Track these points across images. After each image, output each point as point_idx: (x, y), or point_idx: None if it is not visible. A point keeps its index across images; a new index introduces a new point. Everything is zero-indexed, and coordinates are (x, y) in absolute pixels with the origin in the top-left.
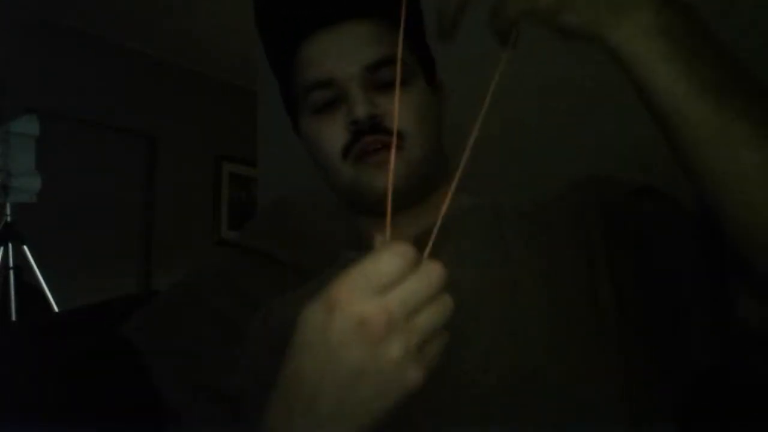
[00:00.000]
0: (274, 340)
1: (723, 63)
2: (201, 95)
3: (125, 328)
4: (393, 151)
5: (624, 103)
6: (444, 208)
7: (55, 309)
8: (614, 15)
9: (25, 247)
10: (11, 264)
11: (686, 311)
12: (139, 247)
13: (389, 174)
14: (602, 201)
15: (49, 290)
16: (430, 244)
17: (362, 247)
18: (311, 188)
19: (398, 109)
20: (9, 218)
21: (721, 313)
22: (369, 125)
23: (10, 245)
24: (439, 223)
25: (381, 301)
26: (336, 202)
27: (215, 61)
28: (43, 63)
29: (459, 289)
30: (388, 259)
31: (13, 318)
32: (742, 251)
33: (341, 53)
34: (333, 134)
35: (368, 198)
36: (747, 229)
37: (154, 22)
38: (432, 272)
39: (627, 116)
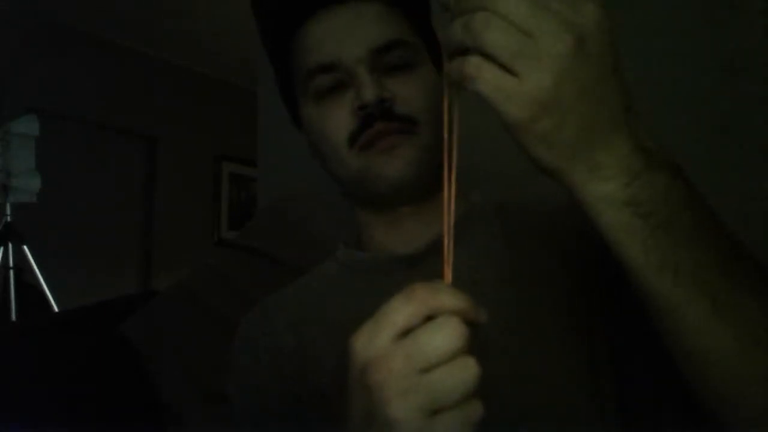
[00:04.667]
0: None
1: (699, 236)
2: (201, 95)
3: (124, 329)
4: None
5: None
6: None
7: (55, 309)
8: (587, 172)
9: (25, 247)
10: (11, 264)
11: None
12: (139, 247)
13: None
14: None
15: (49, 290)
16: (449, 270)
17: (360, 245)
18: (311, 188)
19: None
20: (9, 218)
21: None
22: (379, 110)
23: (10, 245)
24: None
25: (385, 348)
26: (337, 200)
27: (215, 61)
28: (44, 63)
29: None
30: (397, 304)
31: (13, 318)
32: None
33: (346, 34)
34: (339, 121)
35: (378, 188)
36: (700, 394)
37: (154, 22)
38: (449, 326)
39: None
